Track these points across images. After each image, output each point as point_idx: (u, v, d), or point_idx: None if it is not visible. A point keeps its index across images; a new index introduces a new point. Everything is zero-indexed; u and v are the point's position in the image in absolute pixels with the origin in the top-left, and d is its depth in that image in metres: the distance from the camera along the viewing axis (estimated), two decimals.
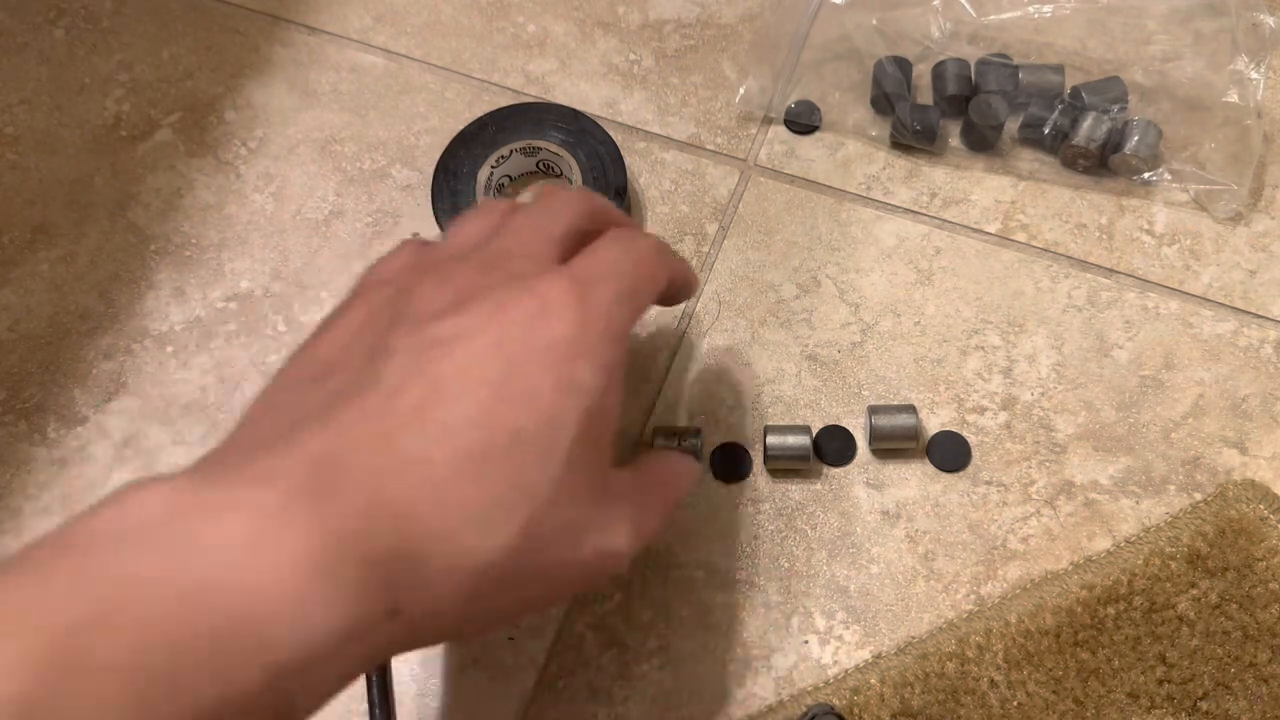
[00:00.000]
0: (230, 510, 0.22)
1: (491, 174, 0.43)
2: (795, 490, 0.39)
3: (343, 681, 0.23)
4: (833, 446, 0.40)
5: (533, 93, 0.48)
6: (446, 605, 0.24)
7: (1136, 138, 0.43)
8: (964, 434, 0.40)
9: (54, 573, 0.21)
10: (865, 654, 0.37)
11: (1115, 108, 0.44)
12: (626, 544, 0.28)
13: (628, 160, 0.45)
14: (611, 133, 0.44)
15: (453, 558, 0.24)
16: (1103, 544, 0.38)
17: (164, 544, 0.21)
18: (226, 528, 0.22)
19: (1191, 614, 0.36)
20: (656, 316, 0.43)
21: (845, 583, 0.38)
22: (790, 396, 0.41)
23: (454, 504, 0.24)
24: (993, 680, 0.35)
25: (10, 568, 0.21)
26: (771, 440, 0.39)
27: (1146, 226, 0.44)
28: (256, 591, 0.21)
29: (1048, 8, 0.46)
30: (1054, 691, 0.35)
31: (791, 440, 0.39)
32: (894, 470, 0.40)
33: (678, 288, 0.34)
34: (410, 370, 0.25)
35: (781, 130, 0.47)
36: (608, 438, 0.28)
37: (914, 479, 0.39)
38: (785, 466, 0.39)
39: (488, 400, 0.25)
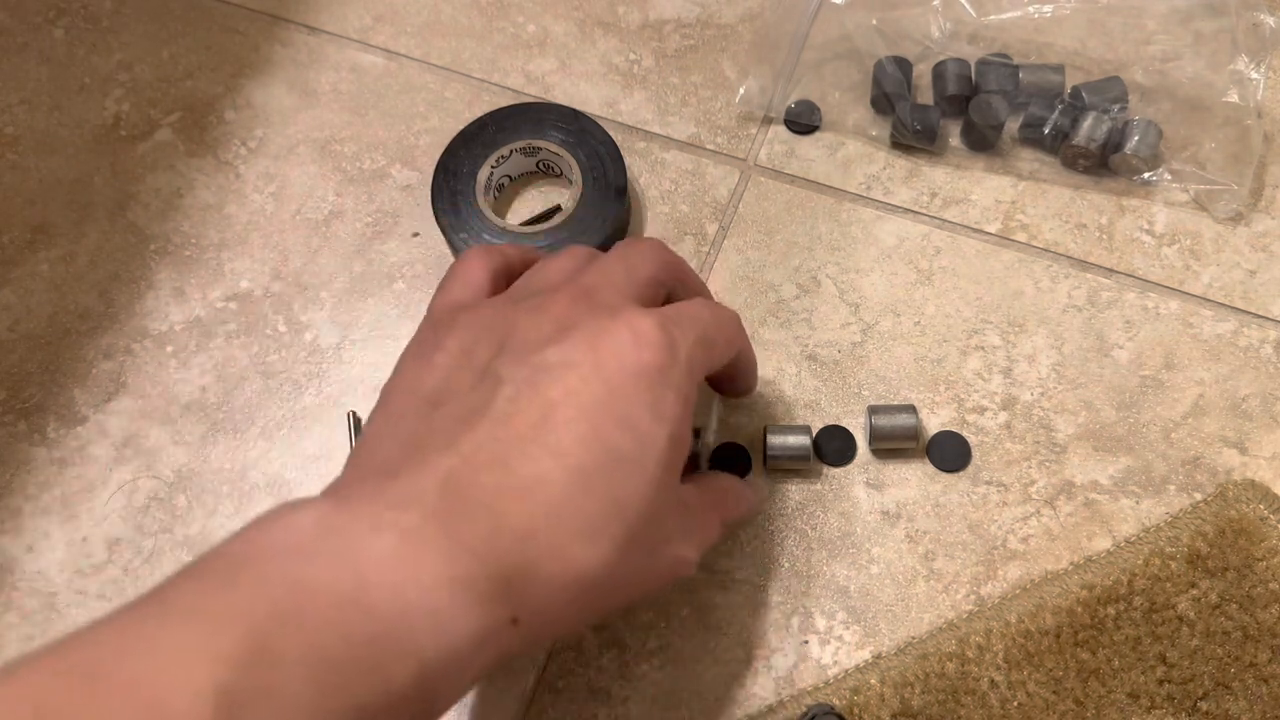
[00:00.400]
0: (376, 531, 0.24)
1: (491, 174, 0.43)
2: (795, 490, 0.39)
3: (474, 681, 0.26)
4: (833, 446, 0.40)
5: (533, 93, 0.48)
6: (557, 612, 0.27)
7: (1137, 138, 0.43)
8: (964, 434, 0.40)
9: (233, 580, 0.23)
10: (865, 654, 0.37)
11: (1115, 108, 0.44)
12: (695, 553, 0.32)
13: (628, 160, 0.45)
14: (611, 133, 0.44)
15: (564, 570, 0.27)
16: (1103, 544, 0.38)
17: (324, 558, 0.24)
18: (375, 546, 0.24)
19: (1191, 614, 0.36)
20: None
21: (845, 583, 0.38)
22: (790, 396, 0.41)
23: (565, 520, 0.27)
24: (993, 680, 0.35)
25: (188, 576, 0.24)
26: (772, 440, 0.39)
27: (1147, 226, 0.44)
28: (405, 602, 0.24)
29: (1048, 8, 0.46)
30: (1054, 692, 0.35)
31: (792, 440, 0.39)
32: (894, 470, 0.40)
33: (744, 365, 0.36)
34: (522, 396, 0.28)
35: (781, 130, 0.47)
36: (682, 461, 0.30)
37: (914, 479, 0.39)
38: (785, 466, 0.39)
39: (594, 421, 0.28)
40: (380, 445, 0.29)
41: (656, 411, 0.28)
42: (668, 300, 0.35)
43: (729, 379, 0.36)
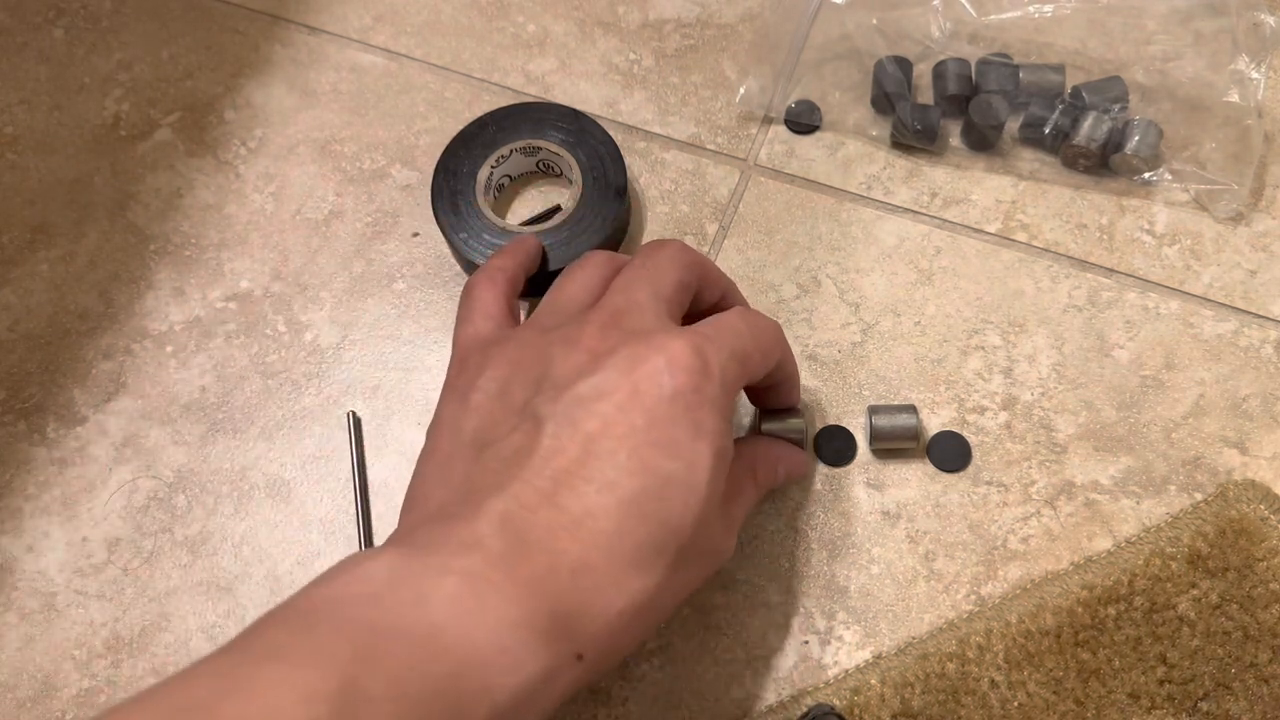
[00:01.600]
0: (443, 576, 0.25)
1: (491, 174, 0.43)
2: (795, 490, 0.39)
3: (545, 716, 0.26)
4: (833, 446, 0.40)
5: (533, 92, 0.48)
6: (619, 640, 0.28)
7: (1137, 137, 0.43)
8: (964, 434, 0.40)
9: (314, 625, 0.24)
10: (865, 654, 0.37)
11: (1116, 107, 0.44)
12: (734, 538, 0.33)
13: (628, 160, 0.45)
14: (611, 133, 0.44)
15: (621, 599, 0.27)
16: (1103, 544, 0.38)
17: (397, 603, 0.25)
18: (443, 591, 0.25)
19: (1192, 614, 0.36)
20: None
21: (845, 583, 0.38)
22: None
23: (618, 550, 0.28)
24: (993, 680, 0.35)
25: (269, 623, 0.25)
26: (766, 425, 0.38)
27: (1147, 226, 0.44)
28: (474, 643, 0.25)
29: (1048, 7, 0.45)
30: (1054, 692, 0.35)
31: (791, 422, 0.38)
32: (894, 470, 0.40)
33: (784, 377, 0.36)
34: (564, 433, 0.29)
35: (782, 130, 0.47)
36: (726, 472, 0.31)
37: (914, 479, 0.39)
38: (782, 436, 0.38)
39: (637, 449, 0.28)
40: (433, 490, 0.30)
41: (698, 430, 0.29)
42: (696, 299, 0.35)
43: (769, 390, 0.36)
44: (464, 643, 0.24)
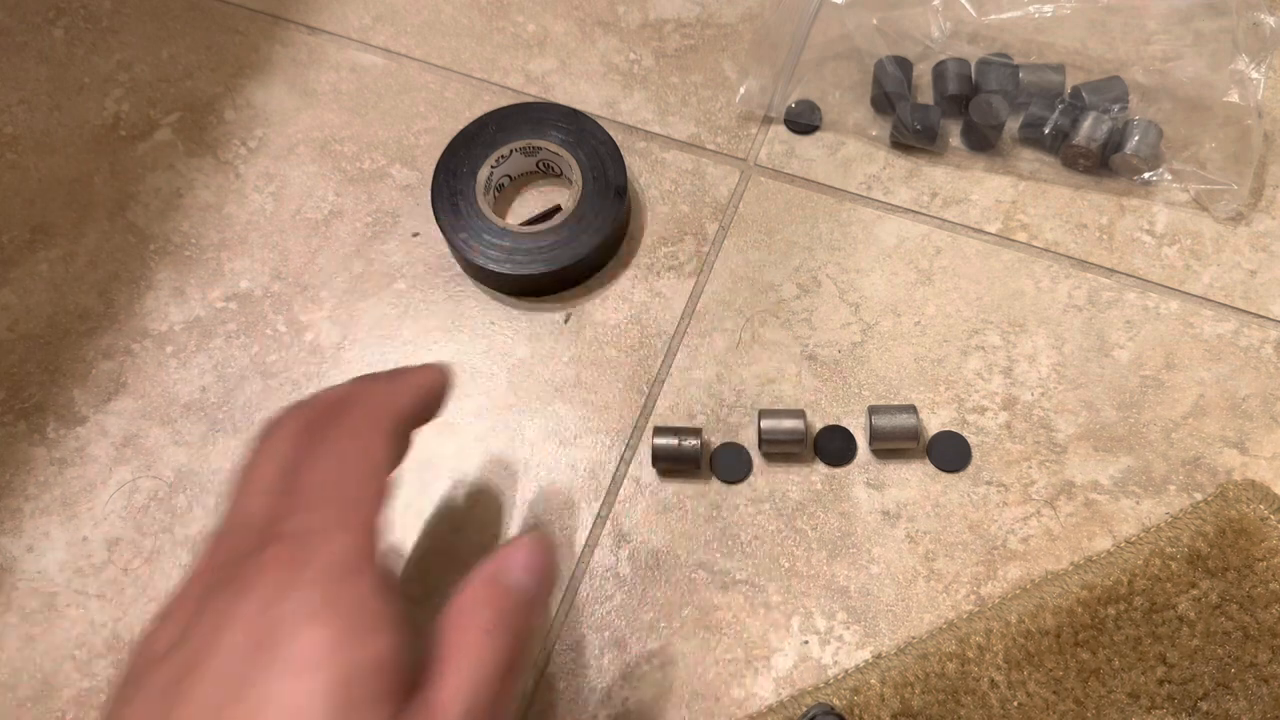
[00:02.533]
0: None
1: (491, 174, 0.43)
2: (795, 490, 0.39)
3: None
4: (833, 446, 0.40)
5: (533, 92, 0.48)
6: None
7: (1137, 137, 0.43)
8: (964, 434, 0.40)
9: None
10: (865, 654, 0.37)
11: (1116, 107, 0.44)
12: None
13: (628, 160, 0.45)
14: (611, 132, 0.44)
15: None
16: (1103, 544, 0.38)
17: None
18: None
19: (1192, 614, 0.36)
20: (658, 317, 0.43)
21: (845, 583, 0.38)
22: (790, 396, 0.41)
23: None
24: (993, 680, 0.35)
25: None
26: (765, 424, 0.39)
27: (1147, 226, 0.44)
28: None
29: (1048, 7, 0.45)
30: (1054, 692, 0.35)
31: (786, 424, 0.39)
32: (894, 470, 0.40)
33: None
34: None
35: (782, 130, 0.46)
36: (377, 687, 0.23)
37: (914, 479, 0.39)
38: (780, 451, 0.39)
39: None
40: None
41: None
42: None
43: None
44: None
